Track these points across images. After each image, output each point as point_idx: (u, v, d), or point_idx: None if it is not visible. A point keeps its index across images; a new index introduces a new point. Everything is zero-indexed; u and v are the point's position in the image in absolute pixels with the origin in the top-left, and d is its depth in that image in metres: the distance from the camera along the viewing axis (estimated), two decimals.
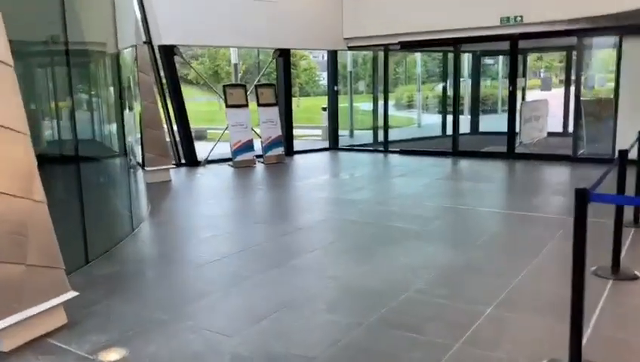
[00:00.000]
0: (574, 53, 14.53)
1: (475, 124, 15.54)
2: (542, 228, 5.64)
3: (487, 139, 13.24)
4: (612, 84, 12.29)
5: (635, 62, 9.29)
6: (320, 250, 4.99)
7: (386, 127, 12.37)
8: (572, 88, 14.70)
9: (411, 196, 7.47)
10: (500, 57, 17.29)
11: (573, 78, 15.30)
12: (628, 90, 9.40)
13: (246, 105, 10.70)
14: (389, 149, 12.23)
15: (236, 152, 10.43)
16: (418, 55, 17.19)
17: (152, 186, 8.17)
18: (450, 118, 15.29)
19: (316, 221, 6.15)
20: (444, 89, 15.27)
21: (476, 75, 15.51)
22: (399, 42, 11.52)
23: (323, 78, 41.06)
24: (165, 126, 10.18)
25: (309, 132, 18.38)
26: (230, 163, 10.50)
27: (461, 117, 15.98)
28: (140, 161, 7.57)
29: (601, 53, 12.17)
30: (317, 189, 8.20)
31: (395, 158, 11.38)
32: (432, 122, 17.01)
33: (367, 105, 15.93)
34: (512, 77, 10.57)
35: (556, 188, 7.92)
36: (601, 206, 3.28)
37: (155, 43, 9.92)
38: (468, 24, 10.46)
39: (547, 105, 13.02)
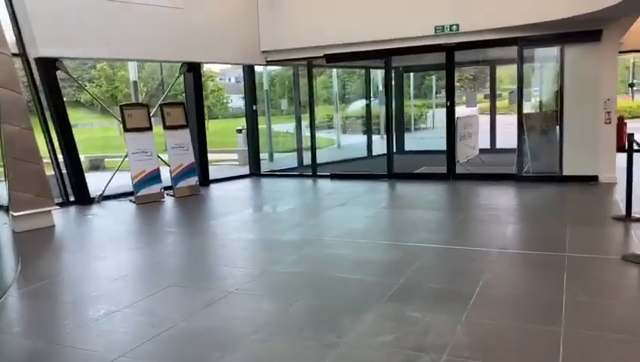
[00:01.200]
0: (497, 67, 14.37)
1: (400, 143, 14.69)
2: (543, 271, 4.50)
3: (417, 158, 12.40)
4: (536, 98, 11.97)
5: (578, 73, 8.73)
6: (264, 331, 3.50)
7: (314, 149, 11.11)
8: (498, 103, 14.45)
9: (362, 232, 6.17)
10: (411, 74, 16.76)
11: (498, 92, 15.13)
12: (572, 102, 8.80)
13: (149, 128, 8.96)
14: (318, 173, 10.95)
15: (139, 185, 8.65)
16: (334, 73, 16.24)
17: (27, 236, 6.29)
18: (376, 137, 14.53)
19: (250, 277, 4.65)
20: (368, 107, 14.36)
21: (400, 92, 14.72)
22: (325, 55, 10.35)
23: (232, 100, 39.72)
24: (48, 156, 8.27)
25: (223, 156, 16.74)
26: (132, 198, 8.69)
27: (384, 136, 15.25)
28: (6, 203, 5.68)
29: (530, 66, 11.74)
30: (244, 229, 6.69)
31: (326, 184, 10.10)
32: (352, 143, 16.14)
33: (284, 126, 14.76)
34: (450, 91, 9.72)
35: (524, 213, 6.90)
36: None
37: (31, 55, 8.01)
38: (400, 34, 9.52)
39: (478, 121, 12.43)
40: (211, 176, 10.59)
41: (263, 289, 4.39)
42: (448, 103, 9.68)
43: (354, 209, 7.56)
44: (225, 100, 40.36)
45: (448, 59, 9.55)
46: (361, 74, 14.88)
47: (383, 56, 10.17)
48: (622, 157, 9.02)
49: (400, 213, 7.45)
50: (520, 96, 9.29)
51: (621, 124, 8.66)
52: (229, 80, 43.81)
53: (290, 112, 14.82)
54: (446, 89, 9.82)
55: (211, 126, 27.77)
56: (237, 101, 39.64)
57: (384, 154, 13.82)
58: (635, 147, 5.96)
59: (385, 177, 10.23)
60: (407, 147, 14.67)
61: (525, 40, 8.91)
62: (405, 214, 7.27)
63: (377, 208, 7.62)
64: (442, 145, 14.76)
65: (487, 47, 9.48)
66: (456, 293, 3.99)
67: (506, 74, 17.30)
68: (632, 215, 6.01)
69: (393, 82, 14.58)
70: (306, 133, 12.25)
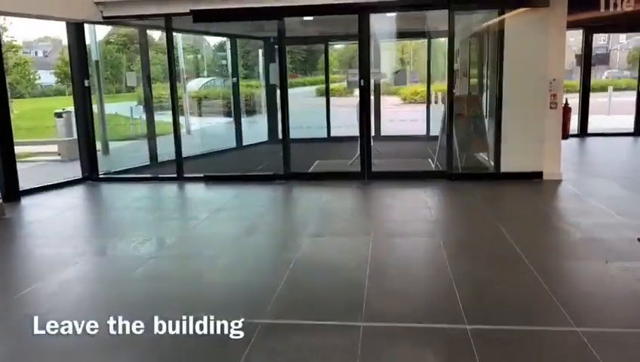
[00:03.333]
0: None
1: (273, 129, 12.14)
2: None
3: (299, 149, 9.78)
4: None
5: (519, 47, 7.12)
6: None
7: (178, 142, 8.03)
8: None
9: (329, 299, 3.58)
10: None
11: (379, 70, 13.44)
12: (512, 83, 7.18)
13: None
14: (185, 176, 7.98)
15: None
16: (179, 40, 13.09)
17: None
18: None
19: None
20: (236, 85, 11.64)
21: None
22: (191, 11, 7.40)
23: (40, 77, 33.70)
24: None
25: (37, 149, 12.56)
26: None
27: (245, 120, 12.67)
28: None
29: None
30: (101, 306, 3.69)
31: (202, 192, 7.24)
32: (206, 128, 13.35)
33: (118, 108, 11.58)
34: (364, 67, 7.44)
35: (522, 238, 4.88)
36: None
37: None
38: None
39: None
40: (23, 185, 7.06)
41: None
42: (362, 82, 7.46)
43: (272, 241, 4.94)
44: (32, 76, 33.86)
45: (362, 23, 7.29)
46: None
47: (276, 16, 7.53)
48: (567, 148, 7.80)
49: (348, 244, 4.73)
50: (451, 75, 7.44)
51: (566, 109, 7.28)
52: (36, 54, 37.67)
53: (123, 90, 11.74)
54: (359, 63, 7.53)
55: (16, 107, 22.32)
56: (46, 78, 34.25)
57: (258, 144, 11.40)
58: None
59: (281, 179, 7.68)
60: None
61: (458, 2, 7.04)
62: (356, 246, 4.67)
63: (309, 237, 4.99)
64: (318, 133, 12.82)
65: (409, 10, 7.46)
66: None
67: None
68: None
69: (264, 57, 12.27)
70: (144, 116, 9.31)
